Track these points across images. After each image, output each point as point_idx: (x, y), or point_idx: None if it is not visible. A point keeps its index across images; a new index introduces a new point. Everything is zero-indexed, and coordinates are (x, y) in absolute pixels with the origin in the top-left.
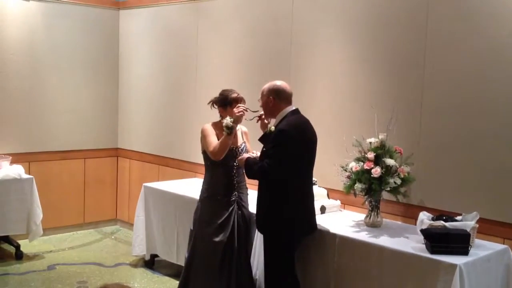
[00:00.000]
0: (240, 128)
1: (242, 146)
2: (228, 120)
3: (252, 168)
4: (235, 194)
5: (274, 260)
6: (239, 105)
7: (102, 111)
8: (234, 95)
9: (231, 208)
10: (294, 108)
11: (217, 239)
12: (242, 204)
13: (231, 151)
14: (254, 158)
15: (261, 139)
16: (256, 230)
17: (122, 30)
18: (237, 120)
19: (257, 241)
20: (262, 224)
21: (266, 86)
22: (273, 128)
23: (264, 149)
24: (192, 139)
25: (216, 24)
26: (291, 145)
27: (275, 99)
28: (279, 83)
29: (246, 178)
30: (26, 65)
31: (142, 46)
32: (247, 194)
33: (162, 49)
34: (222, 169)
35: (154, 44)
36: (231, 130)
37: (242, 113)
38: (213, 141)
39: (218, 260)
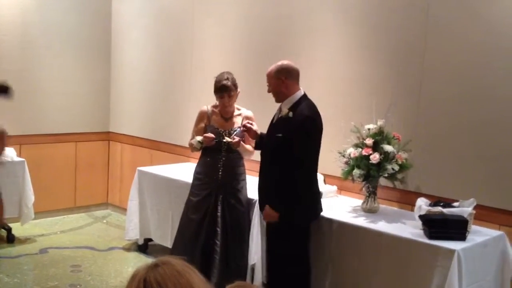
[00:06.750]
0: (242, 112)
1: (234, 130)
2: (197, 140)
3: None
4: (218, 178)
5: (291, 247)
6: (209, 133)
7: (94, 94)
8: (218, 84)
9: (210, 190)
10: (303, 91)
11: (190, 216)
12: (230, 190)
13: (218, 134)
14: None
15: (274, 125)
16: (255, 216)
17: (115, 11)
18: (204, 143)
19: (254, 227)
20: (284, 212)
21: (273, 68)
22: (291, 114)
23: (280, 135)
24: (185, 123)
25: (213, 6)
26: (318, 132)
27: (287, 79)
28: (285, 62)
29: (243, 163)
30: (18, 47)
31: (135, 28)
32: (243, 179)
33: (156, 31)
34: (209, 150)
35: (148, 26)
36: (195, 150)
37: (208, 141)
38: (195, 132)
39: (191, 239)
